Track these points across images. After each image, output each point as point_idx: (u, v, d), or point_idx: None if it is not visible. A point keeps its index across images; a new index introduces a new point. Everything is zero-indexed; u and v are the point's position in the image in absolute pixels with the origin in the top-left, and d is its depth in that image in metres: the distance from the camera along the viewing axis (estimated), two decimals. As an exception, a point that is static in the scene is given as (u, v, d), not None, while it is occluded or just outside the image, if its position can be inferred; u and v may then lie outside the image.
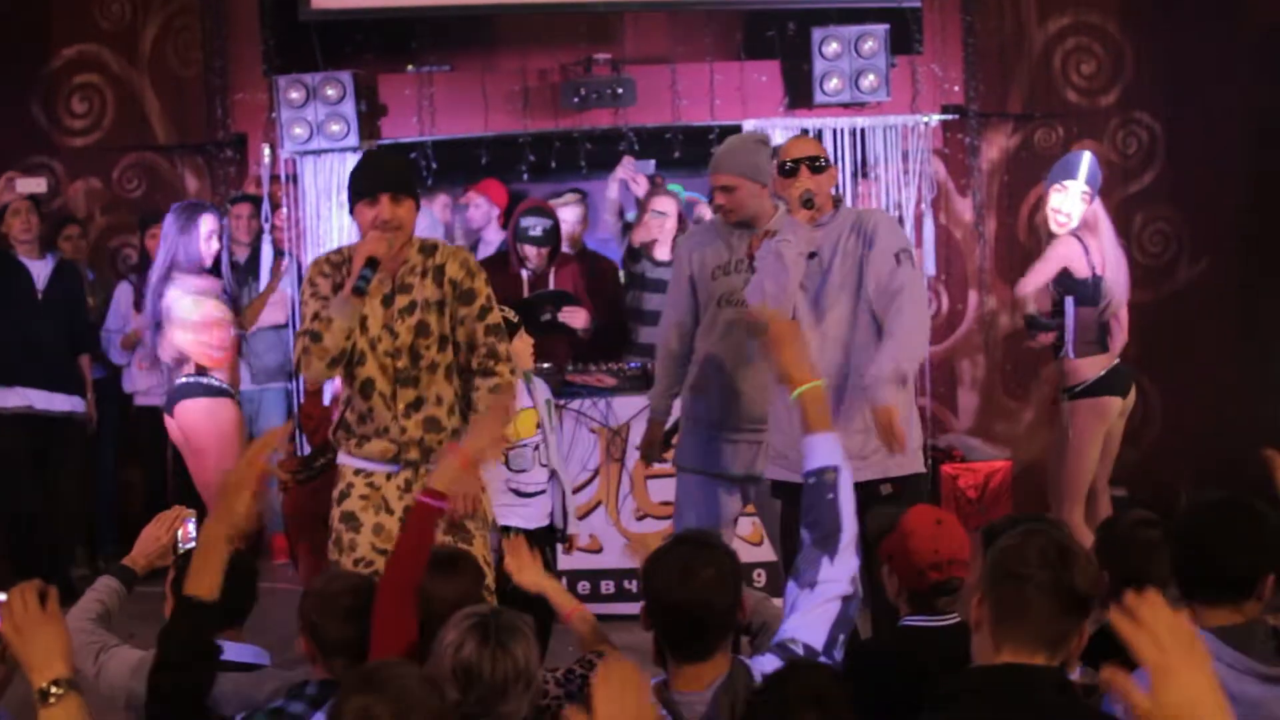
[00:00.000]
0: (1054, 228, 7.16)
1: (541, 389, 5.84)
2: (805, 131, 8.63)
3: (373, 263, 4.83)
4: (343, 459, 5.17)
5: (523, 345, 5.88)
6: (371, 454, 5.03)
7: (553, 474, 6.00)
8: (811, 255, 5.32)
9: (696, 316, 5.88)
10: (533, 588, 4.33)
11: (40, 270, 7.68)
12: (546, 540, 5.56)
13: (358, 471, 5.06)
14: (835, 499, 3.55)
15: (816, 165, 5.38)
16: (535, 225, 7.47)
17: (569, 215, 8.34)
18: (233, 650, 3.83)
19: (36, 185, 7.81)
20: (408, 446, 5.01)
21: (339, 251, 5.13)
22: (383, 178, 4.97)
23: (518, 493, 5.84)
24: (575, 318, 7.50)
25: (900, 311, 5.13)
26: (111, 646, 4.00)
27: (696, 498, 5.81)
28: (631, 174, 8.68)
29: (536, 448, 5.90)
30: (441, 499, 3.71)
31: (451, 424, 5.07)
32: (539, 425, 5.80)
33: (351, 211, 5.05)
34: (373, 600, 3.53)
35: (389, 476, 5.03)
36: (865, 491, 4.99)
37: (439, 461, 3.94)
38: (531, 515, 5.84)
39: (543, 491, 5.97)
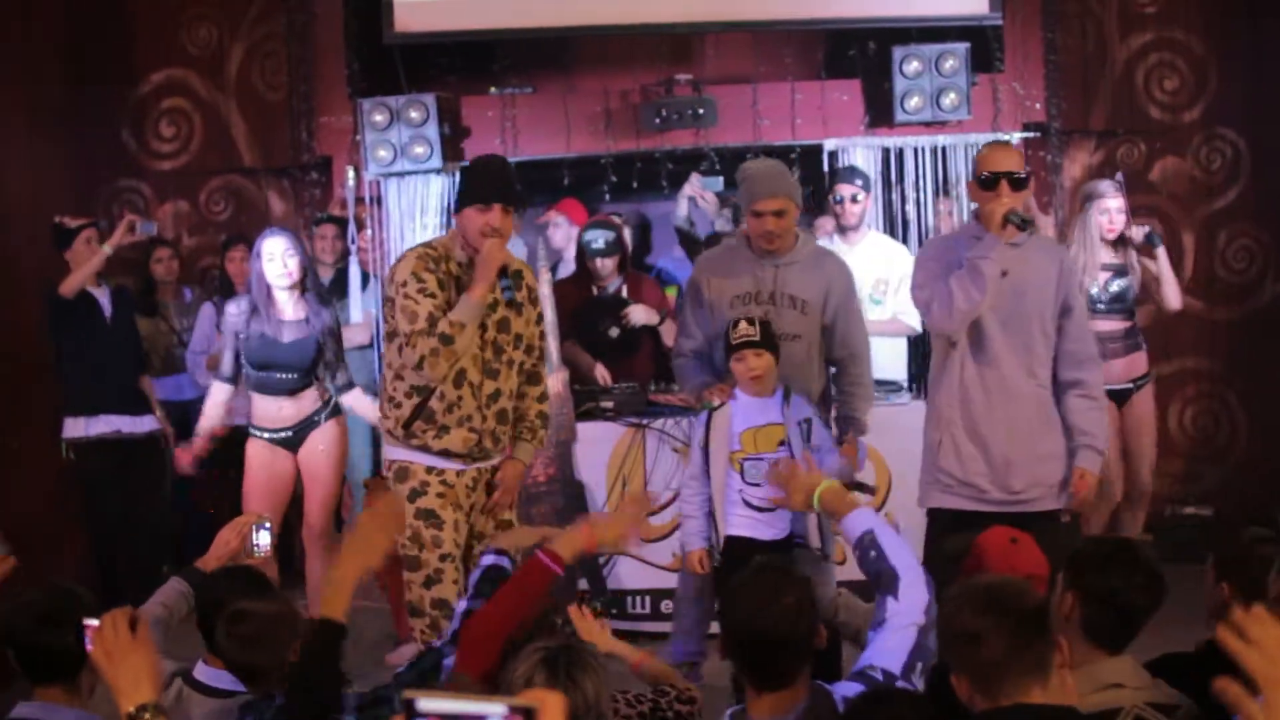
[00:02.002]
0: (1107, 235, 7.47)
1: (799, 407, 5.68)
2: (887, 151, 8.63)
3: (506, 271, 5.21)
4: (412, 455, 5.39)
5: (765, 361, 5.74)
6: (454, 444, 5.32)
7: None
8: (1004, 274, 5.25)
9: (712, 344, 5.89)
10: (605, 649, 4.37)
11: (103, 298, 7.77)
12: (783, 551, 5.50)
13: (430, 469, 5.35)
14: (879, 554, 3.64)
15: (1017, 180, 5.23)
16: (597, 238, 7.58)
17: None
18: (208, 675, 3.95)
19: (152, 229, 8.07)
20: (484, 435, 5.36)
21: (433, 246, 5.35)
22: (500, 188, 5.27)
23: (749, 504, 5.75)
24: (639, 313, 7.56)
25: (1083, 349, 5.39)
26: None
27: None
28: (699, 190, 8.73)
29: (776, 464, 5.69)
30: (559, 563, 3.71)
31: (513, 418, 5.50)
32: (782, 442, 5.67)
33: (458, 210, 5.33)
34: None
35: (459, 474, 5.37)
36: (1049, 518, 5.28)
37: (569, 528, 3.97)
38: (766, 528, 5.70)
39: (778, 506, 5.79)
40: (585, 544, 3.88)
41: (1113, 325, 7.41)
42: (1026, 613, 2.88)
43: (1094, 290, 7.34)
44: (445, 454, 5.35)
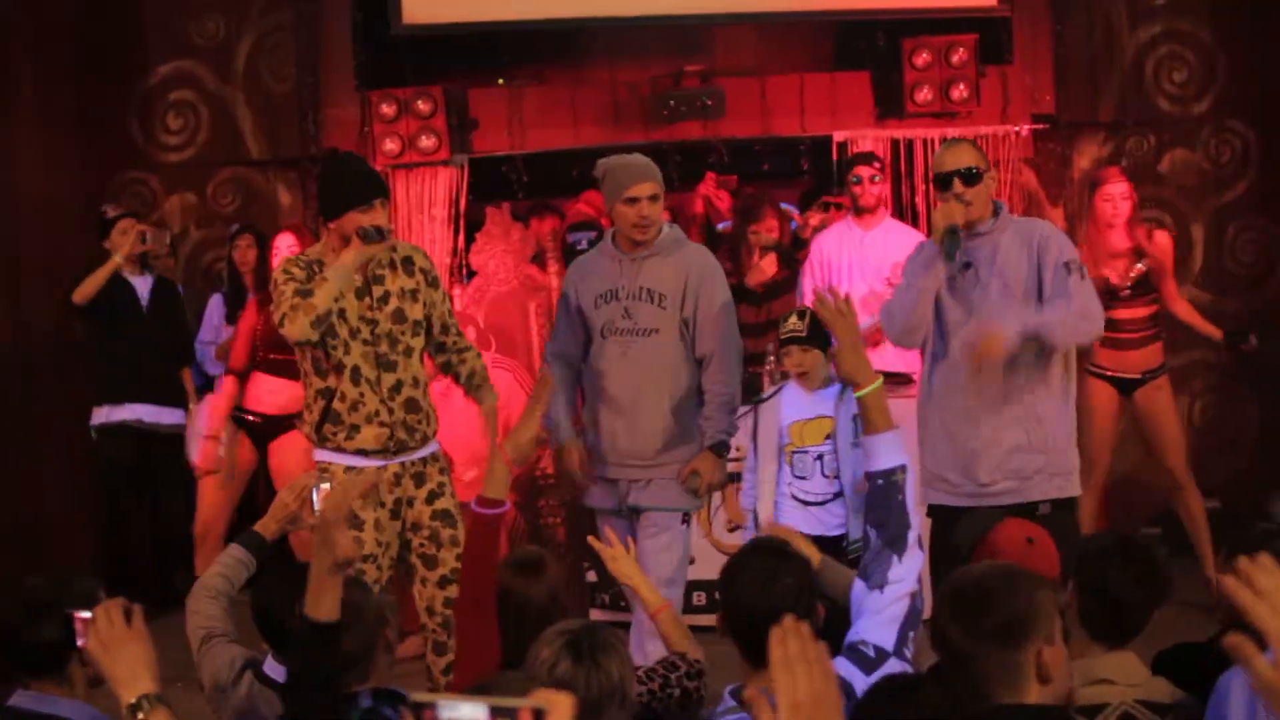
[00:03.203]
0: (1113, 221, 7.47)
1: (852, 403, 5.46)
2: (896, 143, 8.62)
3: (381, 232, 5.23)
4: (331, 456, 5.37)
5: (812, 357, 5.75)
6: (366, 442, 5.31)
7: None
8: (966, 266, 5.19)
9: (585, 348, 5.76)
10: (624, 580, 4.36)
11: (142, 287, 7.82)
12: (833, 550, 5.02)
13: (348, 469, 5.29)
14: (903, 499, 3.56)
15: (970, 176, 5.16)
16: (580, 239, 7.56)
17: None
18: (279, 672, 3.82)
19: (162, 238, 8.10)
20: (396, 428, 5.33)
21: (305, 256, 5.36)
22: (375, 186, 5.30)
23: (797, 499, 5.75)
24: None
25: (1072, 297, 5.04)
26: (216, 636, 4.04)
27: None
28: (713, 190, 8.72)
29: (819, 457, 5.72)
30: (498, 506, 3.73)
31: (426, 405, 5.47)
32: (829, 436, 5.66)
33: (333, 217, 5.25)
34: (355, 613, 3.53)
35: (379, 471, 5.29)
36: (1024, 512, 4.93)
37: (487, 470, 3.99)
38: (814, 523, 5.63)
39: (827, 501, 5.72)
40: (508, 467, 3.90)
41: (1136, 312, 7.40)
42: (990, 625, 2.84)
43: (1114, 279, 7.32)
44: (361, 453, 5.31)
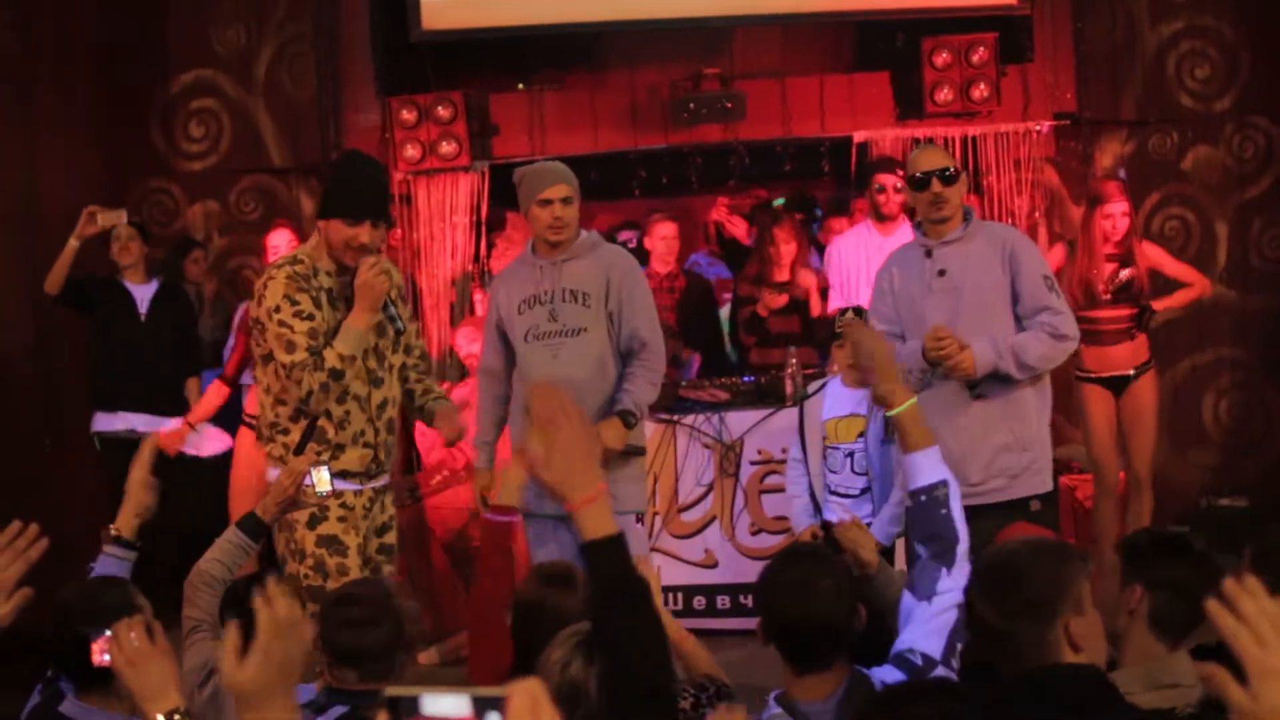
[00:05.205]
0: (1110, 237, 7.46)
1: None
2: (916, 141, 8.60)
3: (389, 300, 4.98)
4: (306, 479, 4.98)
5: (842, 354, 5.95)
6: (350, 463, 5.01)
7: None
8: (941, 273, 5.29)
9: (510, 360, 5.75)
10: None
11: (143, 294, 7.79)
12: None
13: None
14: (949, 513, 3.54)
15: (947, 176, 5.33)
16: (631, 238, 7.58)
17: (665, 231, 8.40)
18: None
19: (116, 217, 7.88)
20: (379, 449, 5.07)
21: (300, 261, 5.02)
22: (371, 204, 5.00)
23: (833, 491, 5.98)
24: None
25: (1050, 329, 5.27)
26: (203, 630, 4.08)
27: (549, 541, 5.52)
28: (726, 216, 8.75)
29: (850, 455, 5.92)
30: (510, 513, 3.72)
31: (396, 427, 5.25)
32: (861, 434, 5.84)
33: (323, 216, 5.02)
34: (384, 610, 3.57)
35: (356, 494, 5.04)
36: (1016, 507, 5.12)
37: (500, 478, 3.94)
38: (845, 514, 5.76)
39: (856, 496, 5.95)
40: (521, 475, 3.87)
41: (1118, 312, 7.40)
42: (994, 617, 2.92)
43: (1099, 285, 7.35)
44: (342, 475, 4.97)
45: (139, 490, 4.25)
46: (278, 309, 4.89)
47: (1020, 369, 5.27)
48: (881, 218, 7.65)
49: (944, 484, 3.57)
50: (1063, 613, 2.87)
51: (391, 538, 5.23)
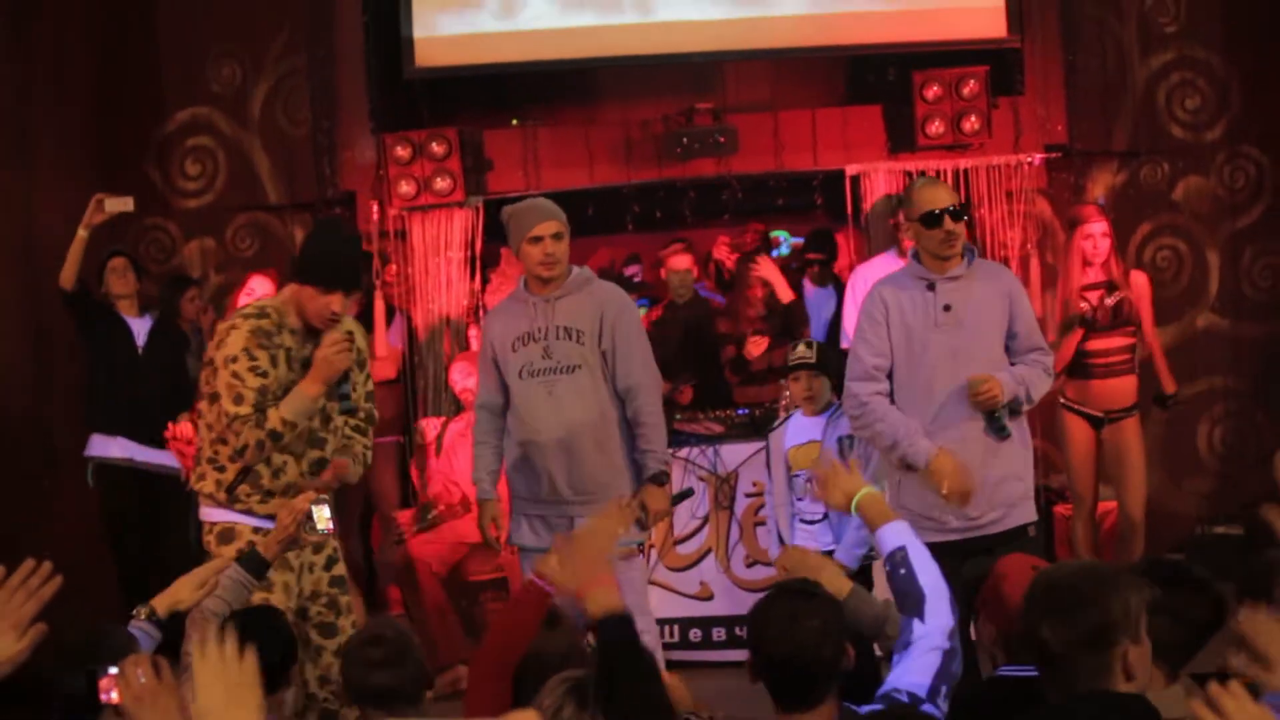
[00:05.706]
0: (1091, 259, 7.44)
1: (841, 424, 6.02)
2: (909, 175, 8.64)
3: (346, 376, 5.08)
4: (236, 517, 5.16)
5: (820, 383, 6.21)
6: (275, 511, 4.95)
7: None
8: (946, 308, 5.35)
9: (506, 397, 5.78)
10: None
11: (140, 327, 7.79)
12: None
13: (257, 529, 5.08)
14: (909, 573, 3.62)
15: (956, 213, 5.38)
16: (636, 272, 7.63)
17: (680, 264, 8.44)
18: None
19: (124, 204, 7.81)
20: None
21: (266, 315, 5.10)
22: (351, 275, 5.18)
23: (801, 520, 6.21)
24: None
25: (1043, 366, 5.47)
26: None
27: None
28: (726, 254, 8.79)
29: (809, 480, 6.02)
30: (552, 584, 3.72)
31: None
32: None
33: (297, 278, 5.12)
34: (406, 647, 3.62)
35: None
36: (1015, 536, 5.33)
37: (564, 552, 3.92)
38: (813, 541, 6.06)
39: (817, 521, 6.22)
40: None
41: (1112, 342, 7.35)
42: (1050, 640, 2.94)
43: (1088, 311, 7.29)
44: (271, 518, 4.95)
45: (192, 588, 4.19)
46: (235, 359, 5.00)
47: (1028, 402, 5.45)
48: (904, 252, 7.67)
49: (902, 549, 3.67)
50: (1123, 641, 2.89)
51: (340, 569, 5.33)
